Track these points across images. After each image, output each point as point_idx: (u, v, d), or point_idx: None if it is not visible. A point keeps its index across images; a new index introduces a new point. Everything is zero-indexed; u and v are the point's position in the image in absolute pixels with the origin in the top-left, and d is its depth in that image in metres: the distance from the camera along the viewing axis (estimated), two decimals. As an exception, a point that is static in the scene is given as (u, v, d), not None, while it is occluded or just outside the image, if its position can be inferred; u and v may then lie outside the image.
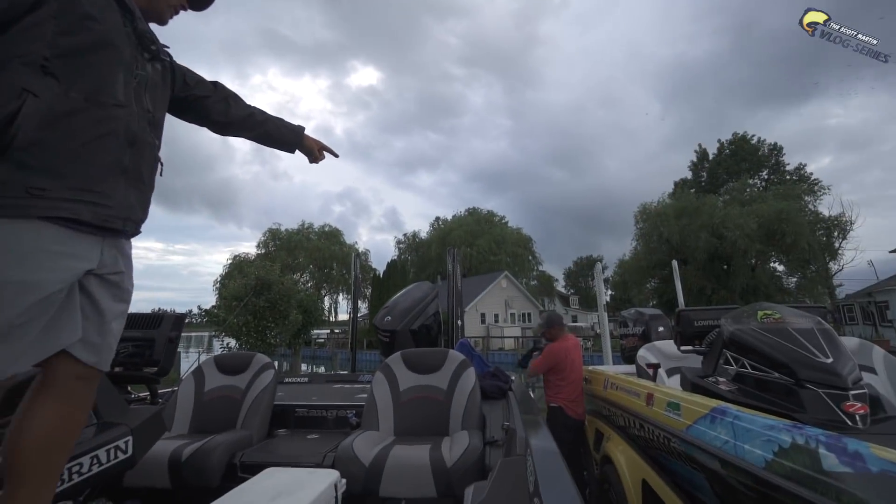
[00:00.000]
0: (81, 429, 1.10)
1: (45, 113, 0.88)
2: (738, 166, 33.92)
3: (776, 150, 34.43)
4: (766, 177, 34.55)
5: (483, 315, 32.53)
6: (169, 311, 2.21)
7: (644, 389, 2.31)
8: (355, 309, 5.07)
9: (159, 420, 1.71)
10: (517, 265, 41.55)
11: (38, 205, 0.87)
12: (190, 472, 1.98)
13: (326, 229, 44.07)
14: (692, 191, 32.50)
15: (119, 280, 1.10)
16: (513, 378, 3.14)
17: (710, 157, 36.08)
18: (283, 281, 10.39)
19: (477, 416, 2.29)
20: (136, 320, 2.07)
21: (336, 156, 1.80)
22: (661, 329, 4.81)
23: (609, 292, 54.49)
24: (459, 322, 4.95)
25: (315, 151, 1.70)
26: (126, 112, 1.03)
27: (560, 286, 56.22)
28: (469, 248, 41.28)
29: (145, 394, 2.50)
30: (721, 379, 2.05)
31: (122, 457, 1.53)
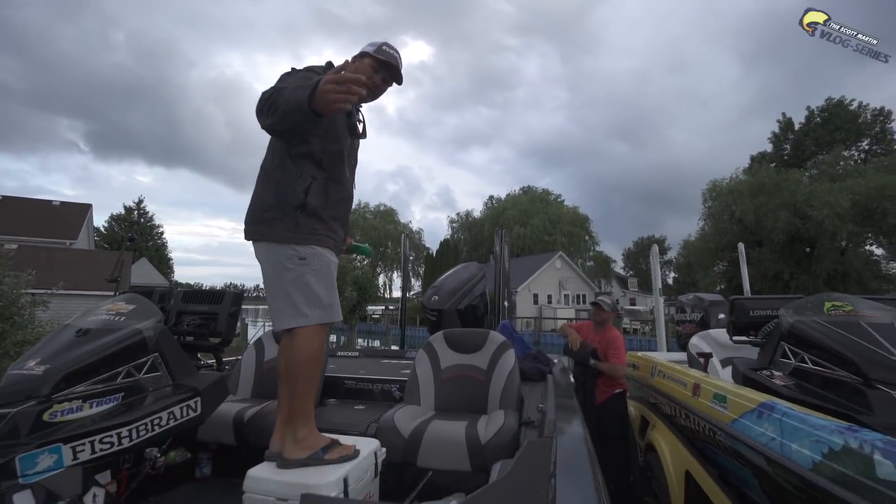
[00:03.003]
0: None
1: (319, 189, 1.55)
2: (831, 136, 29.66)
3: (882, 115, 29.31)
4: (866, 147, 29.93)
5: (536, 296, 32.12)
6: (232, 286, 2.44)
7: (691, 379, 2.22)
8: (405, 287, 5.24)
9: (223, 385, 1.92)
10: (572, 245, 40.35)
11: (318, 238, 1.56)
12: (251, 431, 2.20)
13: (381, 209, 45.25)
14: (772, 165, 29.35)
15: None
16: (555, 361, 3.13)
17: (797, 127, 32.15)
18: (339, 258, 10.81)
19: (514, 396, 2.33)
20: (202, 296, 2.31)
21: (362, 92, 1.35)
22: (721, 316, 4.53)
23: (672, 275, 51.55)
24: (506, 303, 4.96)
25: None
26: (350, 184, 1.72)
27: (618, 267, 53.98)
28: (523, 227, 40.59)
29: (212, 361, 2.79)
30: (777, 373, 1.92)
31: (192, 414, 1.75)
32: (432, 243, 49.54)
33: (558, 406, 1.96)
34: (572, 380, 3.31)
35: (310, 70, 1.60)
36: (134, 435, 1.55)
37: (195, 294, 2.34)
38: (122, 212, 37.18)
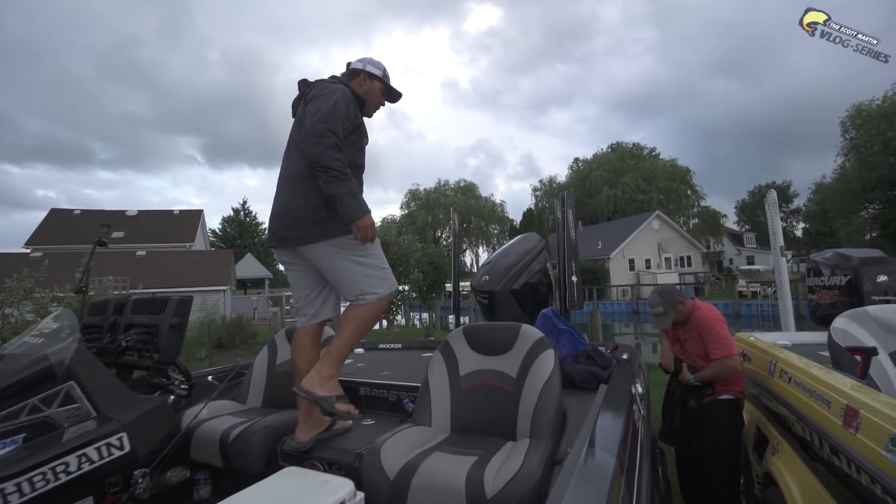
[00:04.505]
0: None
1: (361, 179, 1.83)
2: None
3: None
4: None
5: (632, 261, 29.53)
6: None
7: (840, 397, 1.37)
8: (456, 266, 4.69)
9: (165, 412, 1.57)
10: (672, 202, 36.19)
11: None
12: (235, 454, 1.88)
13: (462, 184, 44.88)
14: (945, 73, 22.83)
15: None
16: (624, 357, 2.36)
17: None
18: (400, 241, 10.62)
19: (551, 416, 1.67)
20: (147, 305, 2.00)
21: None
22: (880, 279, 3.26)
23: (801, 226, 44.01)
24: (574, 278, 4.15)
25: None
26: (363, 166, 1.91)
27: (730, 223, 47.30)
28: (612, 188, 37.35)
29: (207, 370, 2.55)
30: None
31: (116, 454, 1.41)
32: (517, 214, 48.11)
33: (600, 437, 1.27)
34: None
35: (334, 80, 1.87)
36: (27, 488, 1.23)
37: (142, 303, 2.04)
38: (231, 213, 41.76)
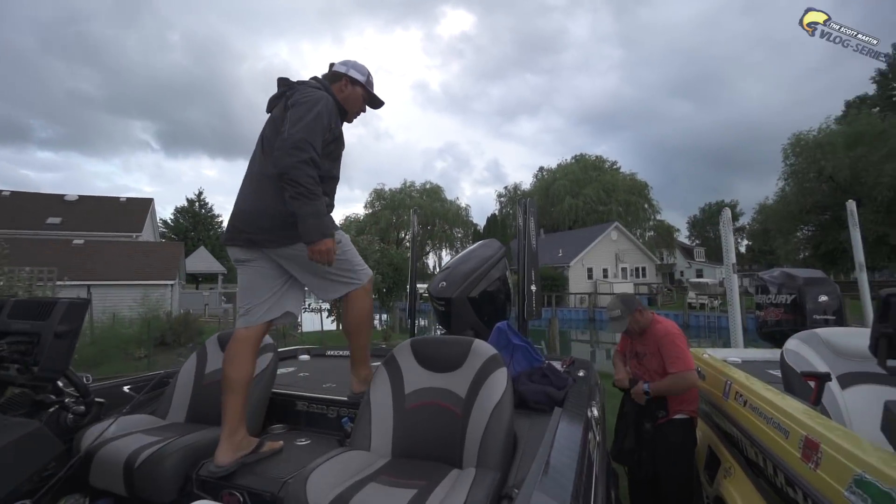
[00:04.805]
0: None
1: (330, 189, 1.81)
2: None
3: None
4: None
5: (590, 270, 30.37)
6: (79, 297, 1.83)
7: (800, 428, 1.31)
8: (414, 271, 4.52)
9: (37, 438, 1.32)
10: (630, 215, 37.58)
11: (334, 224, 1.80)
12: (141, 480, 1.62)
13: (427, 186, 44.68)
14: (875, 110, 24.94)
15: None
16: (580, 374, 2.27)
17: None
18: (359, 241, 10.33)
19: (501, 442, 1.53)
20: (29, 308, 1.68)
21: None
22: (822, 299, 3.39)
23: (744, 243, 46.89)
24: (533, 287, 4.07)
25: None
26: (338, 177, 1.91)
27: (683, 237, 49.72)
28: (574, 198, 38.33)
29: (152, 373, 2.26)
30: None
31: None
32: (483, 219, 48.43)
33: (553, 473, 1.15)
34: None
35: (312, 83, 1.80)
36: None
37: (23, 305, 1.73)
38: (185, 204, 39.59)
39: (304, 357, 3.43)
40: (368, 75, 1.90)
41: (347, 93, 1.84)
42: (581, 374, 2.27)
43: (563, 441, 1.35)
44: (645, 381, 2.34)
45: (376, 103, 1.96)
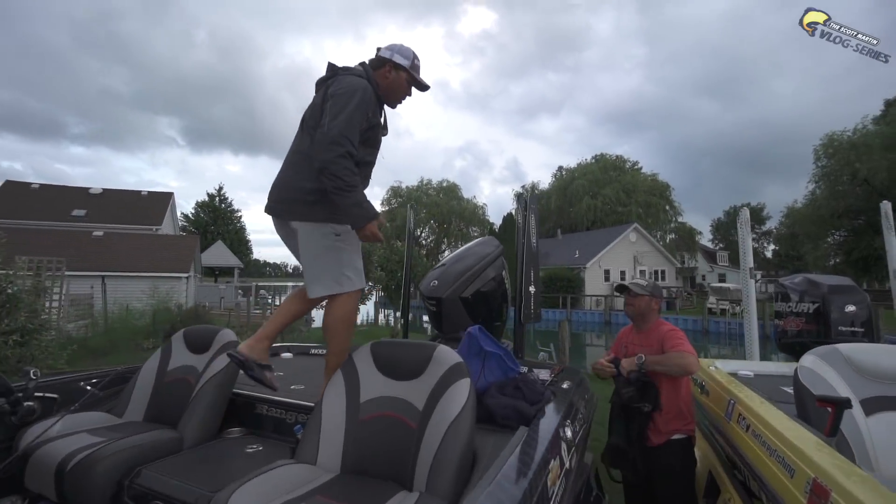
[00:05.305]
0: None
1: (368, 174, 1.89)
2: None
3: None
4: None
5: (607, 272, 29.71)
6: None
7: (808, 467, 1.08)
8: (408, 269, 4.34)
9: None
10: (650, 216, 36.56)
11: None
12: (71, 485, 1.50)
13: (444, 185, 44.46)
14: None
15: None
16: (564, 386, 2.05)
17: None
18: None
19: (455, 464, 1.34)
20: None
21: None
22: (849, 309, 3.08)
23: (771, 247, 45.20)
24: (532, 289, 3.84)
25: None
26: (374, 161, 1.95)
27: (705, 240, 48.17)
28: (593, 198, 37.53)
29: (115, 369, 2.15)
30: None
31: None
32: (500, 218, 48.02)
33: (496, 498, 0.95)
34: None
35: (356, 69, 1.82)
36: None
37: None
38: (206, 199, 40.32)
39: (287, 355, 3.30)
40: (413, 59, 1.89)
41: (391, 79, 1.85)
42: (565, 385, 2.05)
43: (519, 467, 1.14)
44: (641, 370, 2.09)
45: (422, 87, 1.95)
